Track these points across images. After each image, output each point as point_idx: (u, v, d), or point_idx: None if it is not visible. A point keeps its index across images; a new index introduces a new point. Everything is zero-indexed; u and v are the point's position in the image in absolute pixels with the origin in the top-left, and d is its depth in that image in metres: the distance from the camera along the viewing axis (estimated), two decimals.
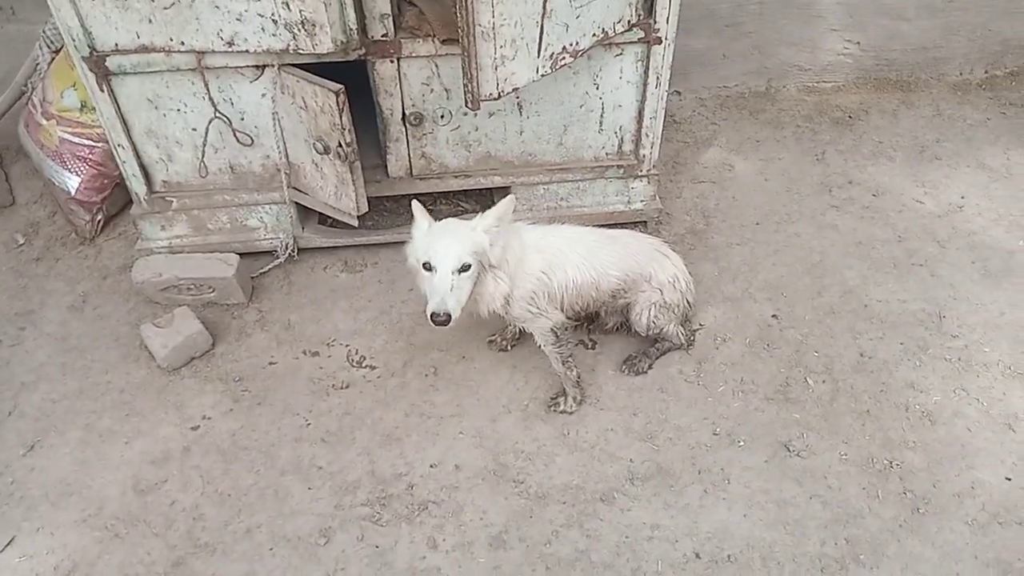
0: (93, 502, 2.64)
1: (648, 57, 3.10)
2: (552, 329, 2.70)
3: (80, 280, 3.48)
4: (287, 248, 3.44)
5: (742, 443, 2.76)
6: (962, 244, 3.49)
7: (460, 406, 2.91)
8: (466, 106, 2.59)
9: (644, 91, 3.20)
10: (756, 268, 3.43)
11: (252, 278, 3.42)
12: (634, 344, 3.09)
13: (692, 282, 3.03)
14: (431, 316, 2.37)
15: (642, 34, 3.02)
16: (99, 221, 3.73)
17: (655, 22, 2.99)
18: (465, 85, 2.53)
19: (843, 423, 2.81)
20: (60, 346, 3.18)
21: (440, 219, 2.56)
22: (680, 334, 3.02)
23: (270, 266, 3.44)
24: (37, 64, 3.86)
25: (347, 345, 3.15)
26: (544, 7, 2.57)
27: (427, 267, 2.42)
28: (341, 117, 2.84)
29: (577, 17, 2.72)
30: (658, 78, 3.15)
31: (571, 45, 2.78)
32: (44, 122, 3.68)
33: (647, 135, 3.33)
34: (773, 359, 3.04)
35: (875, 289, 3.31)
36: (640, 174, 3.47)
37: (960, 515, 2.50)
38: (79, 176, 3.63)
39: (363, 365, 3.08)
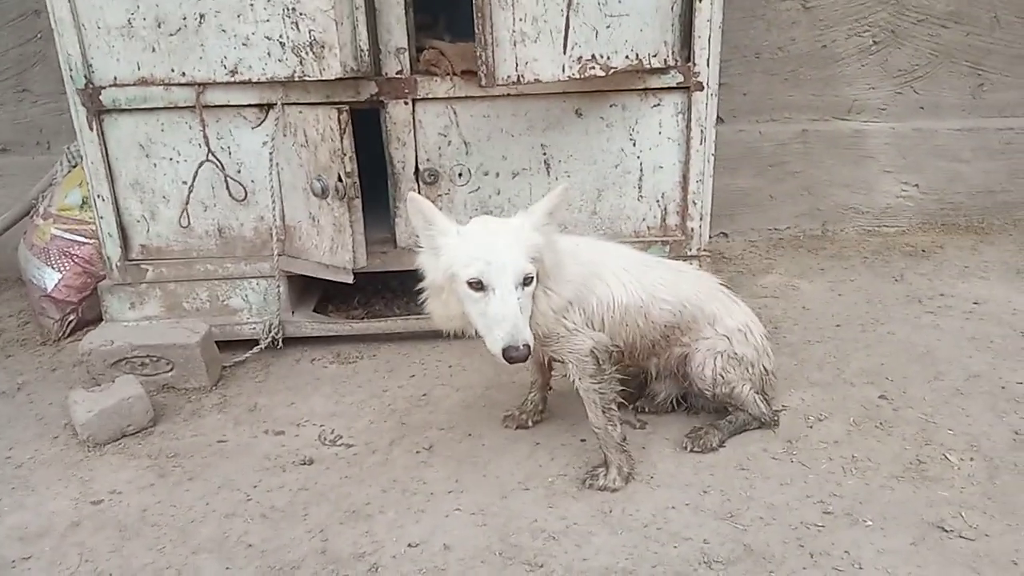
0: None
1: (689, 108, 2.79)
2: (592, 351, 2.01)
3: (24, 372, 2.93)
4: (271, 330, 2.88)
5: (869, 523, 1.86)
6: None
7: (459, 482, 2.11)
8: (480, 85, 2.24)
9: (687, 149, 2.84)
10: (846, 359, 2.73)
11: (224, 367, 2.83)
12: (697, 422, 2.32)
13: (769, 345, 2.35)
14: (505, 352, 1.71)
15: (681, 78, 2.74)
16: (70, 323, 3.28)
17: (694, 65, 2.73)
18: (480, 56, 2.20)
19: (1019, 501, 1.91)
20: None
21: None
22: (758, 402, 2.26)
23: (249, 353, 2.85)
24: (53, 180, 3.75)
25: (321, 425, 2.45)
26: None
27: (476, 286, 1.80)
28: (343, 140, 2.50)
29: (607, 27, 2.47)
30: (702, 132, 2.81)
31: (601, 57, 2.49)
32: (41, 222, 3.44)
33: (694, 203, 2.89)
34: (892, 438, 2.22)
35: (1010, 374, 2.55)
36: (689, 254, 2.96)
37: None
38: (60, 273, 3.28)
39: (337, 443, 2.34)
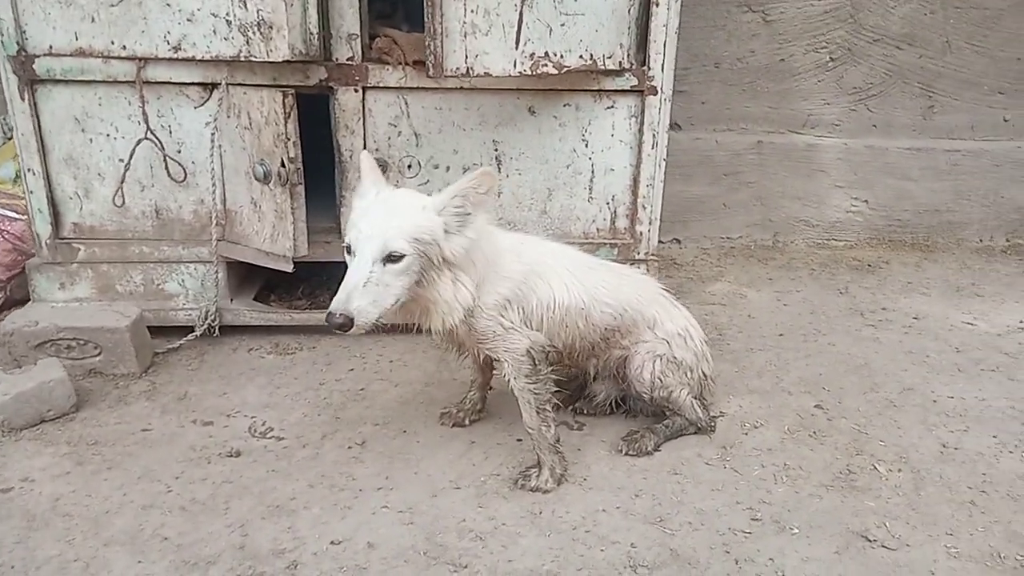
0: None
1: (643, 112, 2.78)
2: (529, 351, 1.98)
3: None
4: (208, 317, 2.80)
5: (796, 531, 1.86)
6: None
7: (390, 479, 2.06)
8: (428, 75, 2.19)
9: (639, 153, 2.83)
10: (786, 368, 2.75)
11: (156, 353, 2.73)
12: (634, 425, 2.31)
13: (709, 350, 2.35)
14: (327, 316, 1.73)
15: (635, 81, 2.73)
16: None
17: (649, 69, 2.72)
18: (428, 46, 2.15)
19: (941, 513, 1.93)
20: None
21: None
22: (696, 407, 2.26)
23: (184, 340, 2.77)
24: None
25: (253, 417, 2.38)
26: None
27: (348, 251, 1.83)
28: (287, 124, 2.43)
29: (562, 25, 2.45)
30: (654, 137, 2.80)
31: (555, 55, 2.47)
32: None
33: (644, 207, 2.89)
34: (824, 447, 2.24)
35: (942, 388, 2.60)
36: (637, 258, 2.95)
37: None
38: None
39: (267, 436, 2.27)
